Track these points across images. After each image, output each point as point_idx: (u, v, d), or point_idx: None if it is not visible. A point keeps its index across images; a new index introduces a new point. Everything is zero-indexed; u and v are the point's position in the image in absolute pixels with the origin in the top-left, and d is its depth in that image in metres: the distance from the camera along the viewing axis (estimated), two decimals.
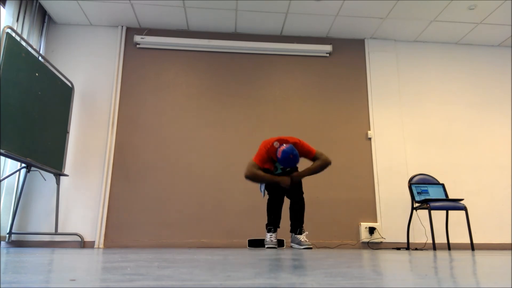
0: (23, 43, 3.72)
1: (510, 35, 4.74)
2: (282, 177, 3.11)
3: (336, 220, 4.24)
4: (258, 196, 4.23)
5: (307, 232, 3.35)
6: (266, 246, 3.20)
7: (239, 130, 4.41)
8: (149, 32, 4.62)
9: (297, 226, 3.20)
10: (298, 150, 3.14)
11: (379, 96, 4.66)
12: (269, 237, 3.21)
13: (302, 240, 3.13)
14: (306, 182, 4.30)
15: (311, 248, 3.10)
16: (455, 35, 4.75)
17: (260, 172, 3.08)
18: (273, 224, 3.25)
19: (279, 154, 2.94)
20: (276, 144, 3.06)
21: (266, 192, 3.28)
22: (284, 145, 2.98)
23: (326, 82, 4.67)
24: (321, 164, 3.13)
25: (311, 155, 3.16)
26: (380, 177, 4.39)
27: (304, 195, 3.26)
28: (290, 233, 3.27)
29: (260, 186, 3.31)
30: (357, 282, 0.67)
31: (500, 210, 4.44)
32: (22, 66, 3.33)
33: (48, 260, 1.30)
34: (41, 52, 4.28)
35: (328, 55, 4.74)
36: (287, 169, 3.24)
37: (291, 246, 3.25)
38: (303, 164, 3.57)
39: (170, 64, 4.56)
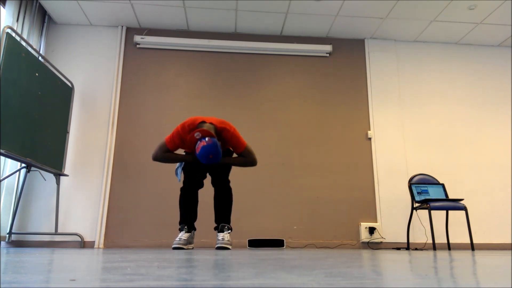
0: (23, 43, 3.72)
1: (510, 35, 4.74)
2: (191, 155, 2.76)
3: (336, 220, 4.24)
4: (258, 196, 4.24)
5: (230, 231, 2.86)
6: (172, 246, 2.75)
7: (239, 130, 4.40)
8: (149, 32, 4.62)
9: (219, 222, 2.85)
10: (226, 140, 2.74)
11: (379, 96, 4.66)
12: (179, 236, 2.76)
13: (220, 238, 2.77)
14: (307, 182, 4.30)
15: (228, 248, 2.73)
16: (455, 35, 4.75)
17: (167, 154, 2.76)
18: (185, 221, 2.82)
19: (197, 149, 2.51)
20: (197, 135, 2.55)
21: (182, 176, 2.88)
22: (207, 139, 2.51)
23: (326, 82, 4.67)
24: (244, 162, 2.83)
25: (239, 151, 2.78)
26: (380, 177, 4.39)
27: (231, 184, 2.92)
28: (214, 230, 2.93)
29: (177, 169, 2.90)
30: (357, 282, 0.67)
31: (500, 210, 4.44)
32: (22, 66, 3.33)
33: (48, 260, 1.30)
34: (41, 52, 4.28)
35: (328, 55, 4.74)
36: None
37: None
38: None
39: (170, 64, 4.56)
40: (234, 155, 2.99)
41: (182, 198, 2.85)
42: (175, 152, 2.82)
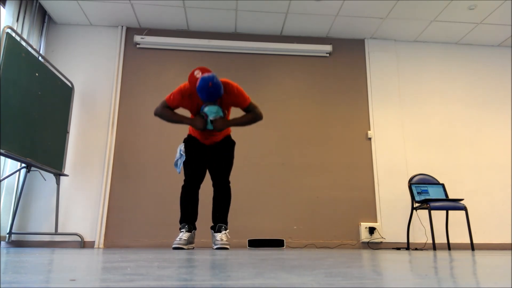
0: (23, 43, 3.72)
1: (510, 35, 4.74)
2: (195, 117, 2.65)
3: (336, 220, 4.24)
4: (258, 196, 4.24)
5: (228, 231, 2.85)
6: (172, 246, 2.72)
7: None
8: (149, 32, 4.62)
9: (216, 221, 2.83)
10: (229, 94, 2.68)
11: (379, 96, 4.66)
12: (179, 236, 2.73)
13: (218, 238, 2.74)
14: (307, 182, 4.30)
15: (227, 248, 2.70)
16: (455, 35, 4.75)
17: (166, 110, 2.71)
18: (186, 219, 2.80)
19: (197, 84, 2.47)
20: (197, 73, 2.53)
21: (182, 168, 2.85)
22: (206, 73, 2.49)
23: (326, 82, 4.67)
24: (253, 118, 2.75)
25: (244, 105, 2.73)
26: (380, 177, 4.39)
27: (231, 185, 2.88)
28: (211, 230, 2.88)
29: (177, 160, 2.89)
30: (357, 282, 0.67)
31: (500, 210, 4.44)
32: (22, 66, 3.33)
33: (48, 260, 1.30)
34: (41, 52, 4.28)
35: (328, 55, 4.74)
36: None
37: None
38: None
39: (170, 64, 4.56)
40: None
41: (183, 197, 2.85)
42: (175, 112, 2.79)
